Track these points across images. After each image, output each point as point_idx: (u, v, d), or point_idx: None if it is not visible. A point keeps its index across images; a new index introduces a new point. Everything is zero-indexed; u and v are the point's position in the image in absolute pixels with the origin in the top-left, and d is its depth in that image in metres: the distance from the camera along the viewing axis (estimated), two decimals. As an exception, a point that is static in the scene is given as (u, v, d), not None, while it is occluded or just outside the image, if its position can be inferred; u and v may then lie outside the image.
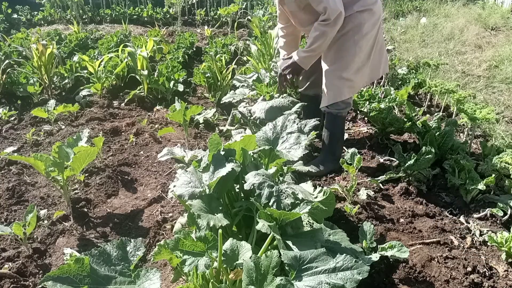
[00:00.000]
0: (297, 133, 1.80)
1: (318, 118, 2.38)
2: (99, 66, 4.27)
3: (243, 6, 8.60)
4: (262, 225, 1.44)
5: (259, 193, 1.50)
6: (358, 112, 3.64)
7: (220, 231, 1.35)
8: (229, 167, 1.61)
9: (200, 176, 1.71)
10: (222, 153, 1.73)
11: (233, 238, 1.49)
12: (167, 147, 2.50)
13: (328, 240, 1.68)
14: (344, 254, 1.29)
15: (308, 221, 1.79)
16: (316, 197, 1.88)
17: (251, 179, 1.54)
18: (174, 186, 1.70)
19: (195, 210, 1.52)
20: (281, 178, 1.93)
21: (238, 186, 1.84)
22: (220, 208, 1.61)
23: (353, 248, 1.66)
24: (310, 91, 3.11)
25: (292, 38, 3.00)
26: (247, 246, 1.42)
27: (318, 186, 2.03)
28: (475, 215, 2.38)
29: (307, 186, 2.03)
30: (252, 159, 1.87)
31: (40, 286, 1.95)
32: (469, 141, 2.99)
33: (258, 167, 1.78)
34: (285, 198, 1.50)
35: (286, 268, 1.27)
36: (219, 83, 4.23)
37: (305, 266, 1.27)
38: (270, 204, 1.48)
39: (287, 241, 1.44)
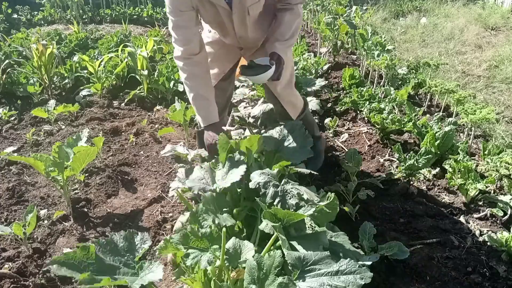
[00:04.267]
0: (302, 137, 1.81)
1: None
2: (99, 66, 4.26)
3: (243, 6, 8.59)
4: (265, 225, 1.43)
5: (264, 192, 1.49)
6: (358, 112, 3.64)
7: (224, 229, 1.35)
8: (241, 170, 1.61)
9: (214, 175, 1.71)
10: (237, 157, 1.70)
11: (236, 237, 1.49)
12: (169, 145, 2.50)
13: (330, 242, 1.68)
14: (349, 259, 1.29)
15: (310, 225, 1.79)
16: (319, 201, 1.88)
17: (256, 178, 1.54)
18: (181, 182, 1.72)
19: (202, 207, 1.53)
20: (284, 180, 1.93)
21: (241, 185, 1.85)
22: (225, 207, 1.62)
23: (355, 251, 1.66)
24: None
25: (204, 74, 2.19)
26: (250, 246, 1.42)
27: (320, 188, 2.03)
28: (475, 215, 2.38)
29: (311, 188, 2.03)
30: (257, 160, 1.87)
31: (45, 268, 1.95)
32: (469, 141, 3.00)
33: (262, 167, 1.78)
34: (290, 198, 1.49)
35: (289, 268, 1.27)
36: (219, 83, 4.23)
37: (309, 268, 1.27)
38: (275, 203, 1.47)
39: (292, 242, 1.44)
